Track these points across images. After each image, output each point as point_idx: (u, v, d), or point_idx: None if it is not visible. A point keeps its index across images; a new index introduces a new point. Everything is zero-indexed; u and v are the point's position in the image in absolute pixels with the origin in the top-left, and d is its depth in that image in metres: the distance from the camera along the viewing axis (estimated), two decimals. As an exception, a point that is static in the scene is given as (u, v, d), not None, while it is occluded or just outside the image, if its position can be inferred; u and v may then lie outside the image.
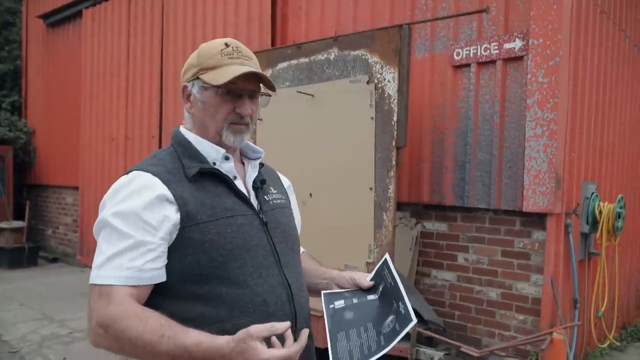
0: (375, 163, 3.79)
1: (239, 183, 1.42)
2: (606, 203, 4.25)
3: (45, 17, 9.89)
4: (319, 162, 4.16)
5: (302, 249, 1.63)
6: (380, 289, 1.43)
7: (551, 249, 3.79)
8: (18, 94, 11.23)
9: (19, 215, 9.59)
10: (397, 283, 1.36)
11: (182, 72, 1.45)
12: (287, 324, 1.19)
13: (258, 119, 4.60)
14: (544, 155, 3.72)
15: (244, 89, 1.38)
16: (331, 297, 1.46)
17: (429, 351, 3.65)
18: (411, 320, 1.23)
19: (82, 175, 8.55)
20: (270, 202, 1.48)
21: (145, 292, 1.25)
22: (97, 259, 1.26)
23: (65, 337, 5.09)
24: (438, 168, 4.36)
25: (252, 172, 1.48)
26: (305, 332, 1.25)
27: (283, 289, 1.37)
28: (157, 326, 1.16)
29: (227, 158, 1.40)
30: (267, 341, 1.15)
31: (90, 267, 1.29)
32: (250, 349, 1.12)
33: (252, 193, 1.45)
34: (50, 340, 5.03)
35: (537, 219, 3.91)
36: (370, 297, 1.44)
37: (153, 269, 1.24)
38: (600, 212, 4.17)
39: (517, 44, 3.89)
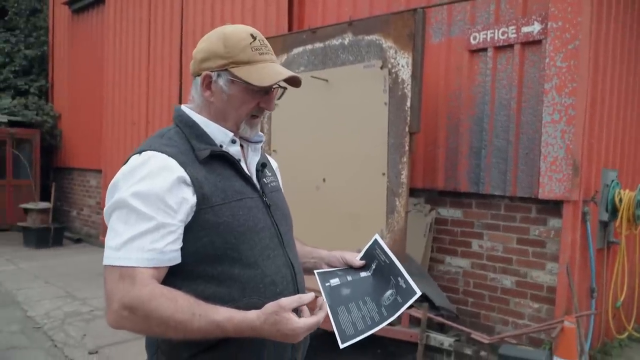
0: (388, 148, 3.78)
1: (243, 166, 1.44)
2: (627, 191, 4.15)
3: (70, 3, 10.07)
4: (333, 147, 4.16)
5: None
6: (374, 267, 1.48)
7: (567, 237, 3.73)
8: (45, 79, 11.48)
9: (45, 197, 9.86)
10: (392, 260, 1.41)
11: (200, 57, 1.40)
12: (312, 294, 1.25)
13: (273, 103, 4.62)
14: (561, 141, 3.65)
15: (271, 86, 1.39)
16: (325, 276, 1.50)
17: (440, 337, 3.65)
18: (415, 292, 1.30)
19: (104, 158, 8.73)
20: (269, 185, 1.51)
21: (163, 273, 1.26)
22: (114, 240, 1.24)
23: (87, 315, 5.24)
24: (453, 154, 4.31)
25: (253, 155, 1.50)
26: (322, 300, 1.32)
27: (287, 269, 1.41)
28: (187, 305, 1.18)
29: (234, 141, 1.41)
30: (295, 312, 1.22)
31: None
32: (284, 319, 1.17)
33: (254, 176, 1.47)
34: (72, 317, 5.19)
35: (554, 207, 3.85)
36: (364, 274, 1.48)
37: (173, 250, 1.25)
38: (621, 200, 4.08)
39: (536, 27, 3.80)
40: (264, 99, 1.40)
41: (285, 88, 1.46)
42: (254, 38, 1.38)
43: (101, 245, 8.67)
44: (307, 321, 1.21)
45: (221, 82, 1.37)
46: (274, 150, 4.59)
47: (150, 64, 7.88)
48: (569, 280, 3.68)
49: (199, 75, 1.40)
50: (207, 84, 1.39)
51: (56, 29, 10.94)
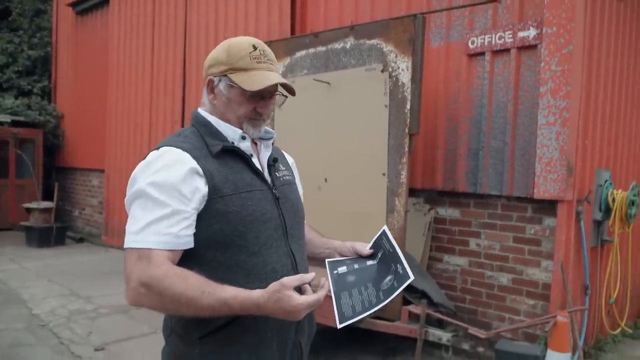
0: (388, 149, 3.89)
1: (255, 161, 1.56)
2: (620, 191, 4.27)
3: (74, 5, 10.16)
4: (335, 148, 4.27)
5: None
6: (380, 256, 1.59)
7: (562, 236, 3.85)
8: (48, 79, 11.58)
9: (47, 196, 9.94)
10: (395, 249, 1.53)
11: (207, 64, 1.56)
12: (313, 274, 1.36)
13: (277, 105, 4.73)
14: (555, 142, 3.77)
15: (267, 92, 1.52)
16: (334, 264, 1.63)
17: (438, 332, 3.76)
18: (408, 277, 1.40)
19: (107, 159, 8.83)
20: (281, 179, 1.63)
21: (178, 256, 1.37)
22: (133, 225, 1.35)
23: (91, 313, 5.33)
24: (452, 155, 4.43)
25: (265, 151, 1.62)
26: (324, 280, 1.43)
27: (288, 259, 1.52)
28: (197, 283, 1.28)
29: (243, 138, 1.53)
30: (297, 290, 1.31)
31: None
32: (286, 297, 1.27)
33: (266, 170, 1.59)
34: (77, 315, 5.28)
35: (549, 206, 3.97)
36: (370, 262, 1.60)
37: (187, 235, 1.36)
38: (614, 200, 4.20)
39: (531, 32, 3.93)
40: (260, 104, 1.53)
41: (286, 96, 1.60)
42: (255, 48, 1.52)
43: (103, 244, 8.79)
44: (308, 298, 1.30)
45: (222, 86, 1.52)
46: (277, 151, 4.70)
47: (153, 65, 7.98)
48: (563, 277, 3.80)
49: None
50: (211, 87, 1.55)
51: (60, 30, 11.04)
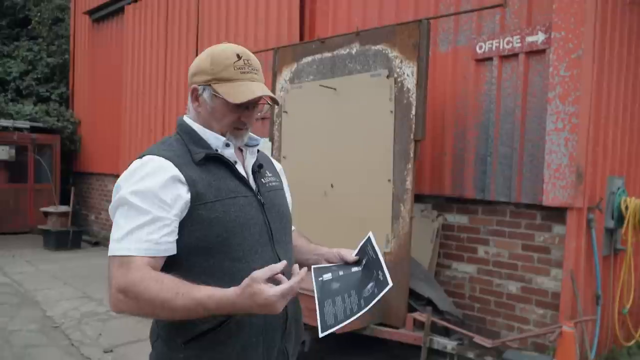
0: (393, 155, 3.87)
1: (239, 167, 1.56)
2: (633, 198, 4.18)
3: (91, 12, 10.33)
4: (340, 154, 4.26)
5: (292, 227, 1.77)
6: (364, 262, 1.59)
7: (571, 243, 3.77)
8: (66, 86, 11.80)
9: (64, 201, 10.12)
10: (377, 256, 1.51)
11: (192, 72, 1.56)
12: (284, 262, 1.33)
13: (283, 111, 4.73)
14: (564, 149, 3.70)
15: (251, 102, 1.52)
16: (320, 271, 1.62)
17: (443, 340, 3.71)
18: (388, 284, 1.38)
19: (122, 164, 8.94)
20: (267, 185, 1.63)
21: (160, 263, 1.37)
22: (116, 233, 1.37)
23: (103, 315, 5.40)
24: (459, 161, 4.39)
25: (250, 158, 1.62)
26: (299, 268, 1.38)
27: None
28: (172, 285, 1.28)
29: (227, 145, 1.54)
30: (275, 283, 1.29)
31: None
32: (258, 291, 1.25)
33: (251, 176, 1.59)
34: (88, 317, 5.35)
35: (558, 213, 3.90)
36: (355, 269, 1.59)
37: (168, 242, 1.37)
38: (627, 207, 4.11)
39: (540, 37, 3.87)
40: (244, 114, 1.53)
41: (270, 104, 1.60)
42: (239, 58, 1.51)
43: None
44: (279, 288, 1.26)
45: (206, 95, 1.52)
46: (283, 157, 4.71)
47: (167, 72, 8.07)
48: (573, 286, 3.72)
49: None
50: (195, 96, 1.55)
51: (77, 38, 11.23)
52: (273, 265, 1.31)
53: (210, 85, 1.50)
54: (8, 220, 10.05)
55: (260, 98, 1.52)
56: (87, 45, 10.75)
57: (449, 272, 4.56)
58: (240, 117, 1.53)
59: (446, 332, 4.00)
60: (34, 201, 10.28)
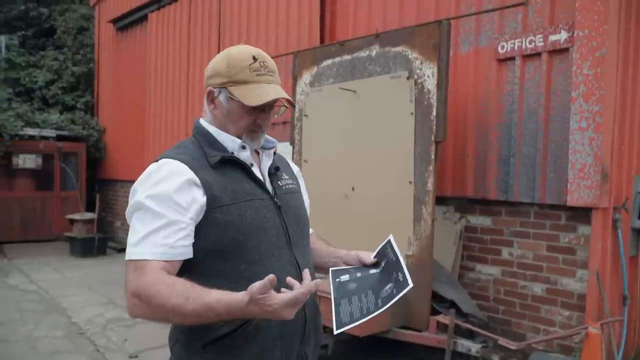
0: (414, 157, 3.86)
1: (255, 170, 1.56)
2: (661, 198, 4.09)
3: (115, 21, 10.53)
4: (361, 157, 4.26)
5: (311, 230, 1.77)
6: (383, 265, 1.59)
7: (597, 244, 3.71)
8: (91, 94, 12.02)
9: (90, 208, 10.28)
10: (398, 258, 1.51)
11: (208, 75, 1.56)
12: (272, 277, 1.24)
13: (304, 115, 4.76)
14: (589, 148, 3.65)
15: (267, 104, 1.52)
16: (337, 273, 1.62)
17: (467, 343, 3.67)
18: (408, 284, 1.38)
19: (146, 170, 9.06)
20: (284, 187, 1.62)
21: (176, 267, 1.36)
22: (132, 237, 1.37)
23: (128, 321, 5.44)
24: (482, 162, 4.35)
25: (266, 160, 1.62)
26: (308, 275, 1.38)
27: (292, 267, 1.51)
28: (182, 290, 1.26)
29: (243, 147, 1.54)
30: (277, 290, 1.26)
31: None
32: (264, 297, 1.22)
33: (267, 179, 1.59)
34: (113, 323, 5.41)
35: (583, 214, 3.84)
36: (373, 271, 1.60)
37: (183, 245, 1.36)
38: (654, 207, 4.03)
39: (563, 35, 3.83)
40: (260, 116, 1.53)
41: (286, 107, 1.60)
42: (255, 60, 1.51)
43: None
44: (283, 296, 1.23)
45: (222, 97, 1.52)
46: (304, 160, 4.72)
47: (189, 78, 8.18)
48: (599, 287, 3.66)
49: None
50: (211, 98, 1.55)
51: (101, 47, 11.46)
52: (270, 276, 1.23)
53: (226, 87, 1.50)
54: (35, 228, 10.26)
55: (276, 100, 1.52)
56: (111, 54, 10.95)
57: (472, 274, 4.52)
58: (256, 119, 1.52)
59: (470, 335, 3.96)
60: (60, 209, 10.47)
